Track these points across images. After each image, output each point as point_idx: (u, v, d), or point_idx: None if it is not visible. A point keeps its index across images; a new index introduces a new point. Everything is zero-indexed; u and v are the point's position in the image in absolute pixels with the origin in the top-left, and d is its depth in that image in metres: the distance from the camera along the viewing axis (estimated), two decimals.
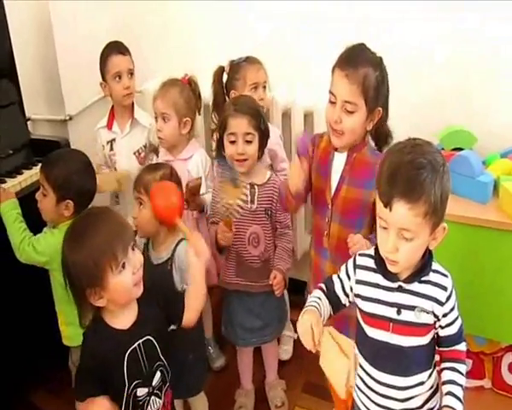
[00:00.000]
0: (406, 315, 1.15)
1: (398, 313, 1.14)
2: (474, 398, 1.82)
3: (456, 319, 1.18)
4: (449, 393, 1.14)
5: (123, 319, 1.19)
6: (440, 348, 1.20)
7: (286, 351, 2.13)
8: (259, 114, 1.64)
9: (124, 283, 1.14)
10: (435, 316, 1.14)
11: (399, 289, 1.14)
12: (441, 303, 1.14)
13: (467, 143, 1.79)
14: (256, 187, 1.68)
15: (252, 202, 1.67)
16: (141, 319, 1.21)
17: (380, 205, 1.07)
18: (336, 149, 1.45)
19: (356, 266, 1.20)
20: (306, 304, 1.20)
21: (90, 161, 1.68)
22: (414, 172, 1.01)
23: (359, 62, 1.35)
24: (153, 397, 1.24)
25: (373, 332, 1.18)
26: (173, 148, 1.87)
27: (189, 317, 1.29)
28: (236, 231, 1.66)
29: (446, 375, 1.16)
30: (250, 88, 1.84)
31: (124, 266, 1.14)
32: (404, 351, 1.15)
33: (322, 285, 1.25)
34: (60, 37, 2.28)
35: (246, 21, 2.17)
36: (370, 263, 1.17)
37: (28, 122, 2.18)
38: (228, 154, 1.65)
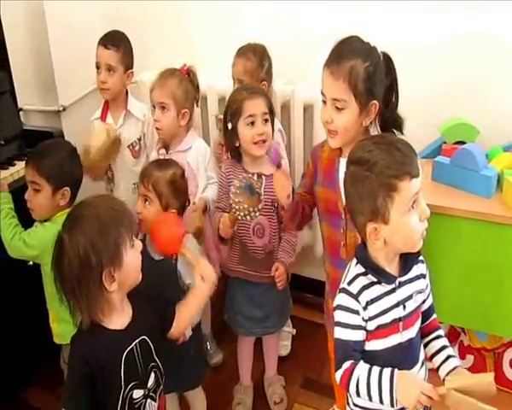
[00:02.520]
0: (410, 306, 1.15)
1: (404, 308, 1.14)
2: None
3: (430, 286, 1.23)
4: (450, 356, 1.19)
5: (118, 319, 1.16)
6: (423, 324, 1.22)
7: (285, 347, 2.11)
8: (268, 96, 1.66)
9: (135, 259, 1.14)
10: (424, 291, 1.19)
11: (399, 285, 1.14)
12: (425, 276, 1.19)
13: (469, 136, 1.76)
14: (263, 177, 1.66)
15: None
16: (136, 319, 1.18)
17: (414, 186, 1.05)
18: (340, 155, 1.39)
19: (356, 295, 1.12)
20: (372, 383, 1.07)
21: (75, 148, 1.67)
22: (403, 141, 1.11)
23: (344, 56, 1.28)
24: (149, 400, 1.21)
25: (384, 342, 1.14)
26: (171, 139, 1.83)
27: (177, 329, 1.29)
28: (242, 220, 1.65)
29: (439, 343, 1.21)
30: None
31: (134, 243, 1.14)
32: (413, 341, 1.16)
33: (348, 363, 1.10)
34: (53, 26, 2.23)
35: (245, 12, 2.13)
36: (365, 281, 1.13)
37: (20, 113, 2.13)
38: (246, 139, 1.62)
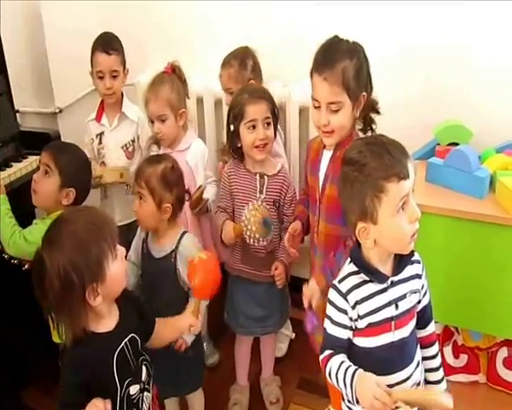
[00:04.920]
0: (403, 306, 1.17)
1: (397, 307, 1.16)
2: (468, 393, 1.83)
3: (427, 286, 1.23)
4: (440, 380, 1.27)
5: (107, 322, 1.16)
6: (420, 330, 1.24)
7: (280, 349, 2.11)
8: (272, 98, 1.66)
9: (120, 269, 1.14)
10: (419, 291, 1.20)
11: (392, 284, 1.15)
12: (420, 276, 1.20)
13: (462, 137, 1.79)
14: (266, 177, 1.68)
15: (260, 191, 1.68)
16: (123, 319, 1.19)
17: (402, 188, 1.05)
18: (325, 147, 1.46)
19: (345, 294, 1.14)
20: (340, 376, 1.11)
21: (90, 163, 1.69)
22: (396, 143, 1.11)
23: (335, 60, 1.33)
24: (145, 393, 1.23)
25: (376, 341, 1.15)
26: (173, 142, 1.84)
27: (154, 342, 1.30)
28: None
29: (434, 363, 1.27)
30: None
31: (117, 254, 1.13)
32: (407, 341, 1.17)
33: (329, 351, 1.16)
34: (50, 28, 2.24)
35: (241, 15, 2.15)
36: (356, 279, 1.14)
37: (17, 115, 2.13)
38: (247, 142, 1.63)
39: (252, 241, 1.58)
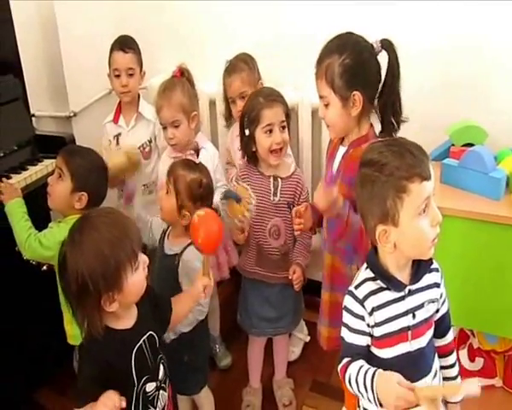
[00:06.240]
0: (420, 315, 1.14)
1: (414, 317, 1.13)
2: (485, 397, 1.75)
3: (446, 294, 1.21)
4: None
5: (126, 319, 1.18)
6: (438, 339, 1.22)
7: (293, 353, 2.10)
8: (285, 101, 1.69)
9: (138, 281, 1.14)
10: (438, 301, 1.17)
11: (409, 293, 1.13)
12: (439, 285, 1.17)
13: (478, 138, 1.76)
14: (279, 180, 1.69)
15: (274, 194, 1.68)
16: (141, 316, 1.21)
17: (425, 189, 1.03)
18: (341, 143, 1.47)
19: (361, 300, 1.11)
20: (360, 380, 1.08)
21: (107, 169, 1.68)
22: (415, 144, 1.09)
23: (322, 56, 1.37)
24: (161, 391, 1.24)
25: (392, 351, 1.13)
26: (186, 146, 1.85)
27: (174, 322, 1.34)
28: (258, 221, 1.68)
29: (452, 372, 1.24)
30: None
31: (138, 264, 1.13)
32: (424, 351, 1.14)
33: (347, 359, 1.13)
34: (64, 33, 2.27)
35: (252, 15, 2.15)
36: (373, 286, 1.12)
37: (32, 119, 2.16)
38: (264, 147, 1.64)
39: (240, 221, 1.57)
